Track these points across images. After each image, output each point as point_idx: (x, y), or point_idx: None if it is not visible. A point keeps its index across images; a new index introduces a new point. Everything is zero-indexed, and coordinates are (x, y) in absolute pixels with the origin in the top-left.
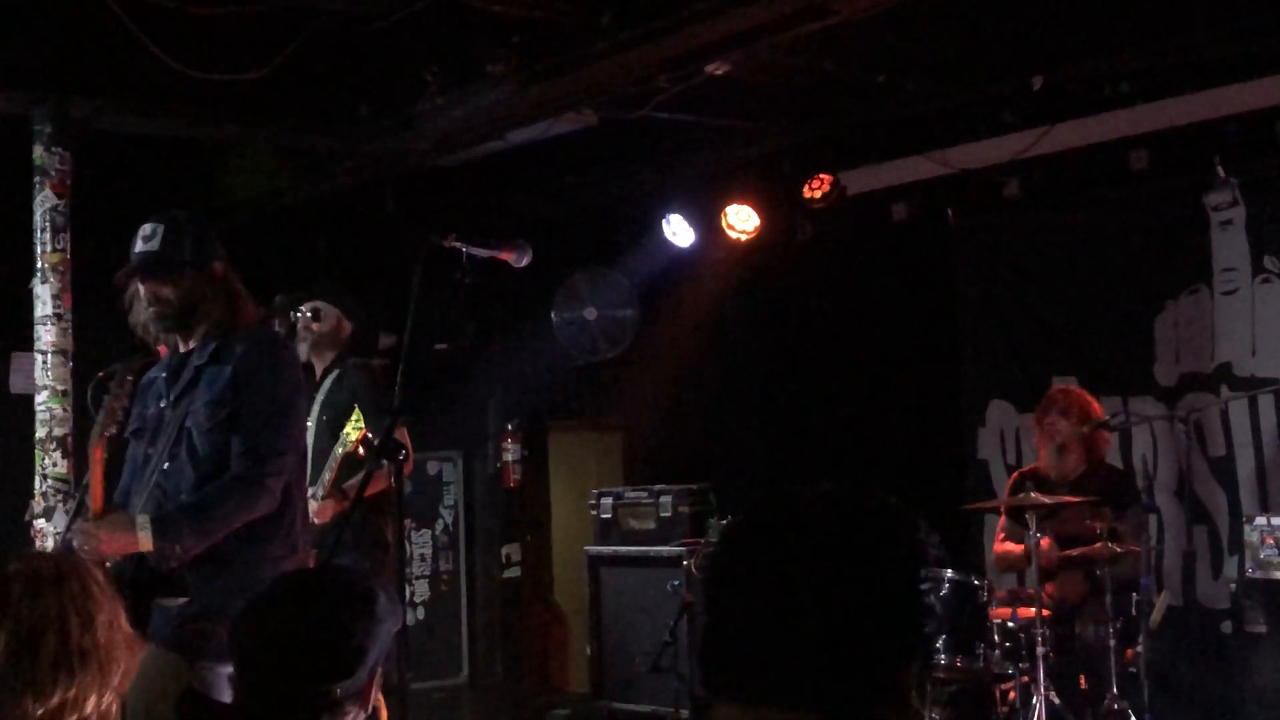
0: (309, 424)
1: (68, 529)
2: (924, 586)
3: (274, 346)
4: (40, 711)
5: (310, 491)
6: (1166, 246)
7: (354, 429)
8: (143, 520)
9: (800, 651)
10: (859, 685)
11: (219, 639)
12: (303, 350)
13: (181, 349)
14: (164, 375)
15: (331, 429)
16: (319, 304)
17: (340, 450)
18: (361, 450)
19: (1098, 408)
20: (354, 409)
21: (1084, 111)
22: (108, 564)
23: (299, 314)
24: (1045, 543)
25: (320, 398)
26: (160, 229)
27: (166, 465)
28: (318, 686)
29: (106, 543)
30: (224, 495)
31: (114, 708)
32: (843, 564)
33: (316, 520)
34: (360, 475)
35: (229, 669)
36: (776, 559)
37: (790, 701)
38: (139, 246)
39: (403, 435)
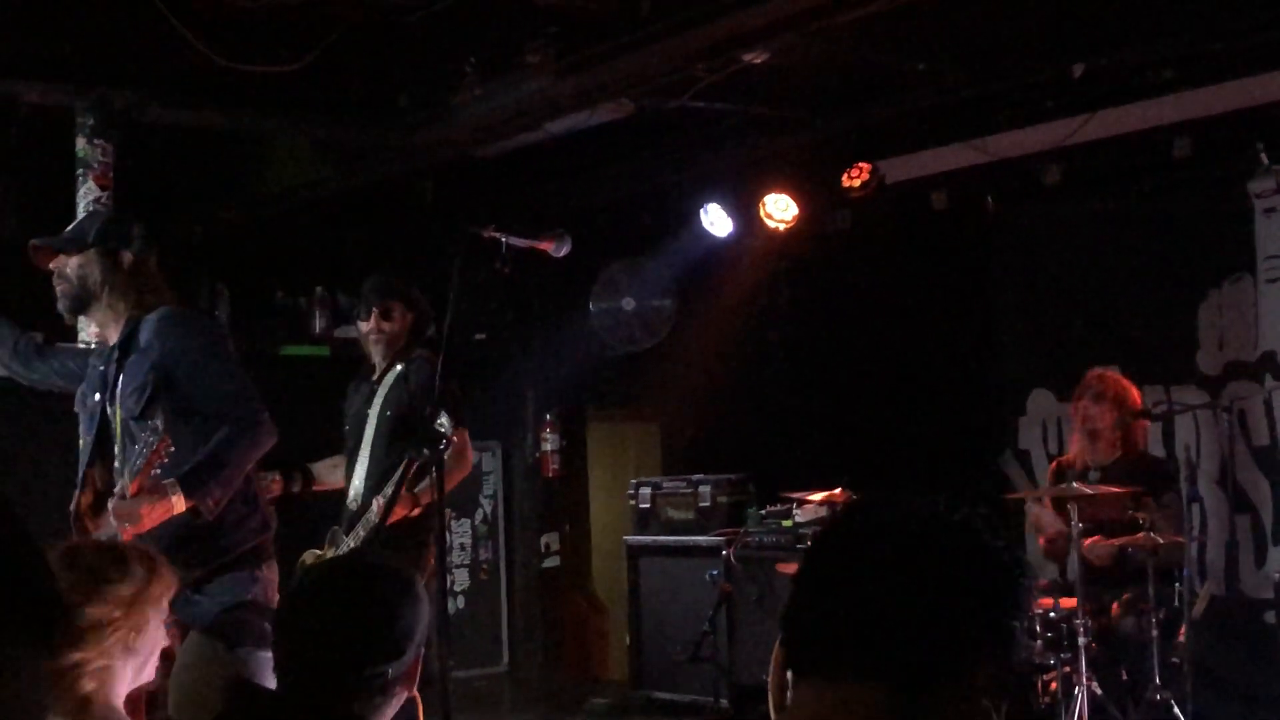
0: (370, 415)
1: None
2: (1014, 615)
3: (177, 317)
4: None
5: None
6: (1209, 234)
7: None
8: (171, 483)
9: (876, 638)
10: (926, 666)
11: (257, 625)
12: (376, 351)
13: (108, 344)
14: (100, 368)
15: (393, 423)
16: (389, 302)
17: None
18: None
19: (1135, 393)
20: (416, 410)
21: (1126, 98)
22: None
23: (371, 313)
24: (1089, 542)
25: (383, 391)
26: (83, 218)
27: (116, 464)
28: (372, 669)
29: (148, 515)
30: (231, 442)
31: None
32: (929, 568)
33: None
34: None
35: (269, 654)
36: (870, 558)
37: (864, 676)
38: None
39: (463, 437)
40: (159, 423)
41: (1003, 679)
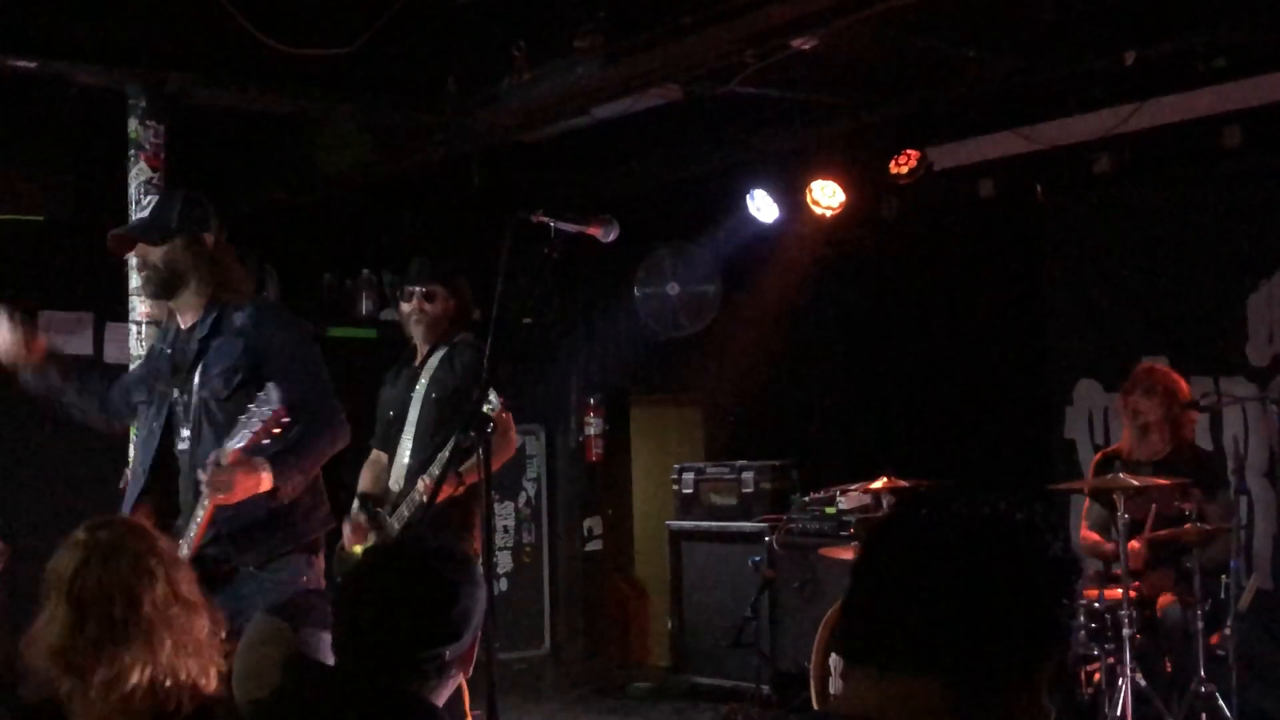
0: (414, 398)
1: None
2: (1067, 606)
3: (275, 309)
4: (93, 682)
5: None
6: (1260, 224)
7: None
8: (262, 461)
9: (935, 632)
10: (981, 663)
11: (320, 607)
12: (418, 333)
13: (182, 325)
14: (168, 351)
15: (438, 406)
16: (433, 286)
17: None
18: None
19: (1185, 386)
20: (463, 393)
21: (1177, 87)
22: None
23: (414, 294)
24: (1134, 545)
25: (428, 375)
26: (155, 199)
27: (185, 445)
28: (430, 650)
29: (240, 485)
30: (315, 434)
31: (189, 674)
32: (990, 565)
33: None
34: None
35: (329, 635)
36: (926, 554)
37: (919, 669)
38: (134, 216)
39: (508, 419)
40: (273, 393)
41: (1055, 675)
